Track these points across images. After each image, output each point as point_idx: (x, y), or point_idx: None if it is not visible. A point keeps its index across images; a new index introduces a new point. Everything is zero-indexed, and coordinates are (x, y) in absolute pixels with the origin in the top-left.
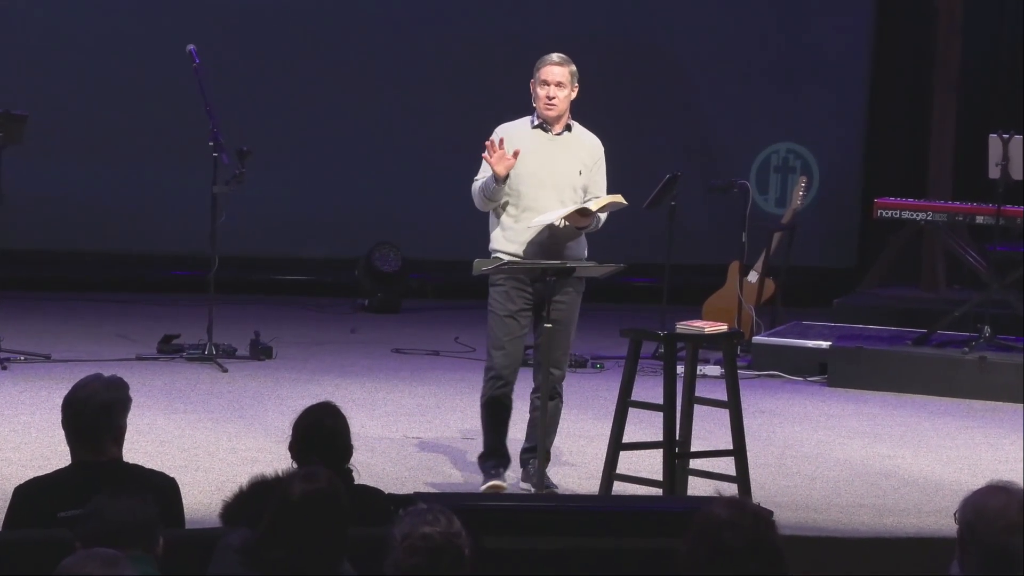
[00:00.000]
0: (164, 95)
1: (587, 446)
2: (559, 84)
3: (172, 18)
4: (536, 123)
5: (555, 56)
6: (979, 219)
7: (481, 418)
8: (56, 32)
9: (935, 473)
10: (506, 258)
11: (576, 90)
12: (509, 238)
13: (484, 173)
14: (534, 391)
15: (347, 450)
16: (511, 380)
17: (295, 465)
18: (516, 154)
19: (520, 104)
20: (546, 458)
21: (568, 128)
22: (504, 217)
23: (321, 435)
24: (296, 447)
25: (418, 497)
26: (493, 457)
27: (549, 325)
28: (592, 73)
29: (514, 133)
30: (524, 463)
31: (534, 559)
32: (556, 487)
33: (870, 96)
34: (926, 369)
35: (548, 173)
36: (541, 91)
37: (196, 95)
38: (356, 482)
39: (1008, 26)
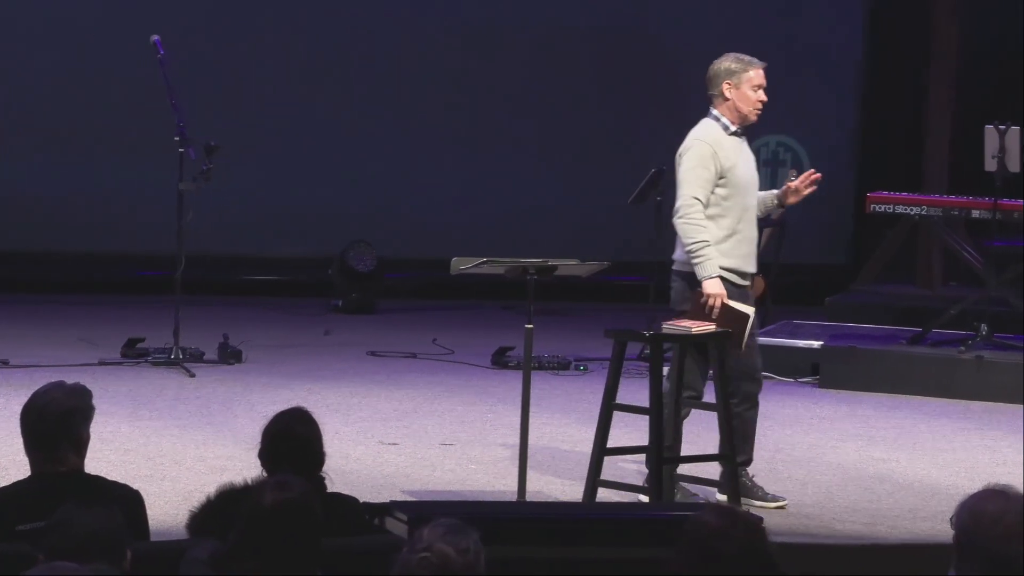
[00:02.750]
0: (128, 88)
1: (570, 451)
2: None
3: (136, 7)
4: (732, 129)
5: (757, 59)
6: (975, 213)
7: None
8: (14, 22)
9: (931, 477)
10: (727, 275)
11: None
12: (728, 253)
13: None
14: (740, 402)
15: (319, 457)
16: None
17: (265, 474)
18: None
19: (502, 96)
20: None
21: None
22: (721, 232)
23: (292, 442)
24: (266, 455)
25: (394, 506)
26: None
27: (530, 326)
28: (579, 65)
29: (722, 144)
30: (737, 476)
31: (516, 570)
32: None
33: (863, 87)
34: (921, 369)
35: (752, 179)
36: (755, 95)
37: (161, 88)
38: (329, 490)
39: (1006, 15)
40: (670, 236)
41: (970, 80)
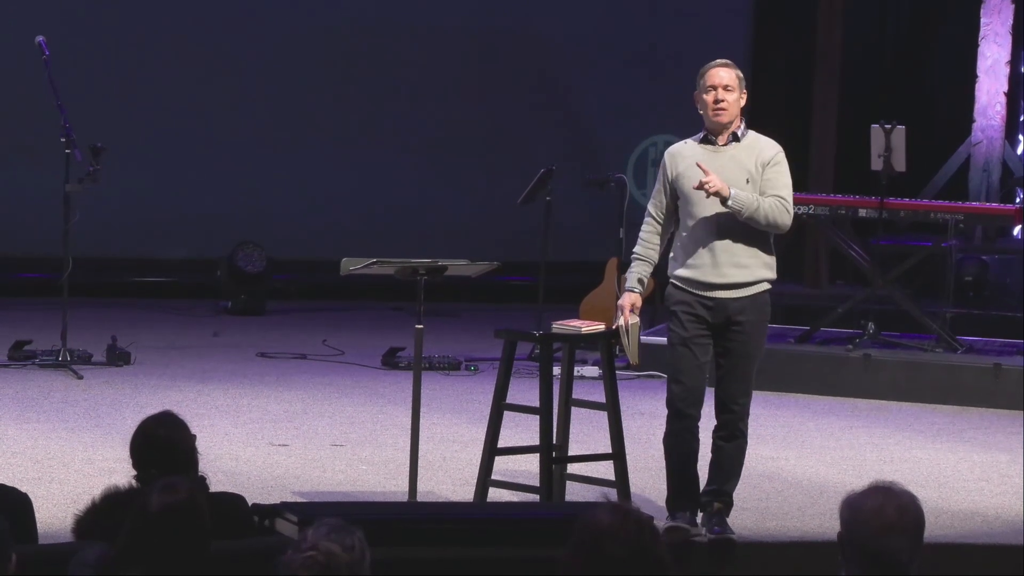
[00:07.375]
0: (12, 89)
1: (461, 451)
2: (727, 87)
3: (20, 7)
4: (702, 137)
5: (719, 60)
6: (862, 212)
7: (664, 457)
8: None
9: (819, 475)
10: (679, 284)
11: (745, 96)
12: (686, 264)
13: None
14: (715, 430)
15: (187, 457)
16: (692, 414)
17: (135, 481)
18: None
19: (390, 96)
20: (727, 504)
21: (736, 138)
22: (680, 241)
23: (156, 446)
24: (133, 460)
25: (284, 507)
26: (681, 499)
27: (420, 326)
28: (465, 66)
29: (678, 153)
30: (704, 507)
31: (407, 570)
32: (733, 533)
33: (749, 87)
34: (809, 368)
35: None
36: (708, 96)
37: (46, 89)
38: (213, 490)
39: (890, 14)
40: (559, 236)
41: (854, 79)
